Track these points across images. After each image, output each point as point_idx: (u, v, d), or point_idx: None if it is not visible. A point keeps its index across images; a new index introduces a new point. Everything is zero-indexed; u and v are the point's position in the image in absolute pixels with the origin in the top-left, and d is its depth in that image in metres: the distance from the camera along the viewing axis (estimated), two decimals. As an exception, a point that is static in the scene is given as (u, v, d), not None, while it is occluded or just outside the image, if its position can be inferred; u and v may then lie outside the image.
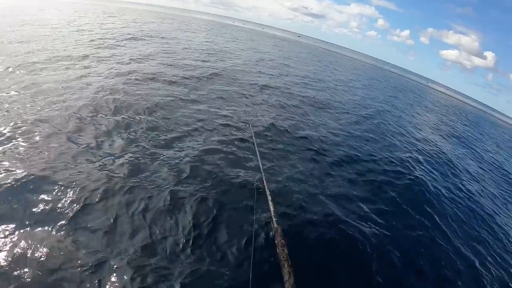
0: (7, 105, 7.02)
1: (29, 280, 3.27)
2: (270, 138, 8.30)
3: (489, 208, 8.80)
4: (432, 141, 14.44)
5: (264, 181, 1.92)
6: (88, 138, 6.20)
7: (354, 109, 15.53)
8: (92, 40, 18.02)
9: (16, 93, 7.90)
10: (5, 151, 5.24)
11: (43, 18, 26.24)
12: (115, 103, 8.26)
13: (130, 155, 5.88)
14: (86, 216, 4.19)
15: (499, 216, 8.65)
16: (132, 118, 7.57)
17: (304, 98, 14.55)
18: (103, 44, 17.49)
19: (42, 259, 3.49)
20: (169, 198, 4.88)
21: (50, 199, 4.36)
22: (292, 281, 1.24)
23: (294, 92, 15.16)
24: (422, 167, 9.81)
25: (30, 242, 3.63)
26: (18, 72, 9.69)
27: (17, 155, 5.18)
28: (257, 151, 2.72)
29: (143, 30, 28.77)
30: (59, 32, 19.44)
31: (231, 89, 12.69)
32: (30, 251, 3.54)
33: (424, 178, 8.78)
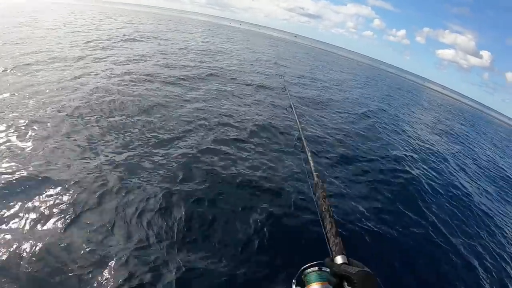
0: (2, 107, 7.00)
1: (29, 279, 3.26)
2: (265, 138, 8.33)
3: (485, 206, 8.85)
4: (428, 140, 14.53)
5: (303, 139, 2.00)
6: (84, 138, 6.18)
7: (351, 108, 15.57)
8: (88, 42, 17.95)
9: (11, 94, 7.86)
10: (1, 152, 5.22)
11: (39, 19, 26.11)
12: (111, 104, 8.25)
13: (127, 155, 5.88)
14: (83, 216, 4.18)
15: (493, 211, 8.71)
16: (128, 118, 7.56)
17: (301, 98, 14.60)
18: (99, 45, 17.43)
19: (40, 258, 3.48)
20: (165, 198, 4.89)
21: (46, 199, 4.34)
22: (334, 230, 1.24)
23: (291, 91, 15.14)
24: (418, 166, 9.86)
25: (27, 242, 3.62)
26: (13, 73, 9.65)
27: (12, 156, 5.15)
28: (296, 117, 2.76)
29: (139, 31, 28.72)
30: (55, 33, 19.35)
31: (227, 89, 12.70)
32: (28, 250, 3.53)
33: (419, 177, 8.85)
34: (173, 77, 12.63)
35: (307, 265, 1.08)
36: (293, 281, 1.11)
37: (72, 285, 3.31)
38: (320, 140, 9.42)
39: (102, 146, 6.08)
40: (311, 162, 1.87)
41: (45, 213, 4.10)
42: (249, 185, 5.89)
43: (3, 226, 3.79)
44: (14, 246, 3.55)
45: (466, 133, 22.85)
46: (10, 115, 6.60)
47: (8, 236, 3.66)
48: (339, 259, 1.16)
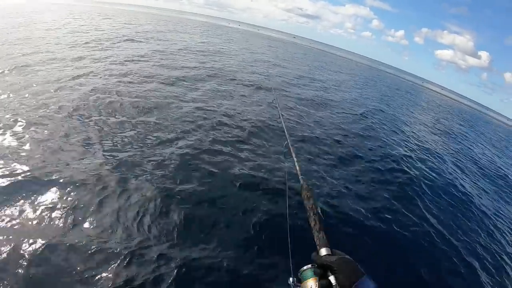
0: (1, 107, 7.00)
1: (30, 280, 3.26)
2: (265, 139, 8.36)
3: (483, 205, 8.87)
4: (427, 140, 14.57)
5: (290, 145, 2.09)
6: (83, 139, 6.18)
7: (350, 109, 15.61)
8: (87, 42, 17.93)
9: (10, 94, 7.84)
10: (1, 152, 5.23)
11: (39, 20, 26.08)
12: (110, 104, 8.27)
13: (126, 155, 5.88)
14: (83, 217, 4.18)
15: (490, 210, 8.73)
16: (127, 119, 7.57)
17: (300, 98, 14.62)
18: (98, 46, 17.42)
19: (41, 258, 3.48)
20: (165, 198, 4.91)
21: (46, 199, 4.35)
22: (318, 226, 1.36)
23: (290, 92, 15.24)
24: (417, 165, 9.89)
25: (28, 242, 3.63)
26: (12, 73, 9.64)
27: (11, 156, 5.15)
28: (283, 125, 2.83)
29: (138, 32, 28.72)
30: (54, 33, 19.33)
31: (226, 89, 12.72)
32: (29, 250, 3.53)
33: (418, 176, 8.89)
34: (173, 77, 12.64)
35: (304, 267, 1.16)
36: (290, 278, 1.21)
37: (74, 285, 3.32)
38: (319, 140, 9.42)
39: (102, 146, 6.08)
40: (297, 167, 2.04)
41: (45, 213, 4.09)
42: (248, 185, 5.93)
43: (3, 226, 3.80)
44: (15, 246, 3.55)
45: (464, 133, 22.89)
46: (9, 115, 6.60)
47: (8, 236, 3.67)
48: (323, 251, 1.25)
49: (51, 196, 4.44)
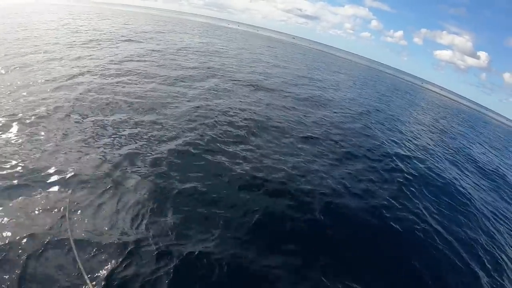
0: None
1: (31, 275, 3.28)
2: (266, 136, 8.36)
3: (481, 203, 8.88)
4: (426, 140, 14.59)
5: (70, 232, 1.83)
6: (80, 137, 6.19)
7: (349, 109, 15.61)
8: (86, 42, 17.92)
9: (8, 94, 7.83)
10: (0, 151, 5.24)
11: (38, 20, 26.06)
12: (108, 103, 8.28)
13: (125, 153, 5.89)
14: (80, 213, 4.18)
15: (487, 208, 8.73)
16: (126, 117, 7.57)
17: (299, 98, 14.64)
18: (96, 45, 17.40)
19: (42, 253, 3.49)
20: (163, 195, 4.94)
21: (42, 195, 4.36)
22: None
23: (290, 92, 15.23)
24: (415, 165, 9.90)
25: (25, 238, 3.62)
26: (10, 73, 9.62)
27: (8, 155, 5.15)
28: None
29: (137, 32, 28.67)
30: (53, 33, 19.31)
31: (225, 89, 12.72)
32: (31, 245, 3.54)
33: (415, 175, 8.93)
34: (172, 77, 12.65)
35: None
36: None
37: (74, 281, 3.30)
38: (319, 140, 9.45)
39: (100, 145, 6.09)
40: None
41: (44, 211, 4.10)
42: (248, 183, 5.96)
43: (4, 223, 3.80)
44: (13, 245, 3.55)
45: (464, 133, 22.89)
46: (6, 114, 6.59)
47: (7, 234, 3.67)
48: None
49: (49, 194, 4.44)
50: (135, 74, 11.94)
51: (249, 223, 4.86)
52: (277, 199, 5.71)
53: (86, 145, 5.94)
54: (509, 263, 6.37)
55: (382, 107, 20.16)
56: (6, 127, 6.03)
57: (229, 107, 10.13)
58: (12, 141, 5.58)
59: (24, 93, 7.99)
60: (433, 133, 17.56)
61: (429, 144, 13.82)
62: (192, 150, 6.61)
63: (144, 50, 18.29)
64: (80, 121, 6.95)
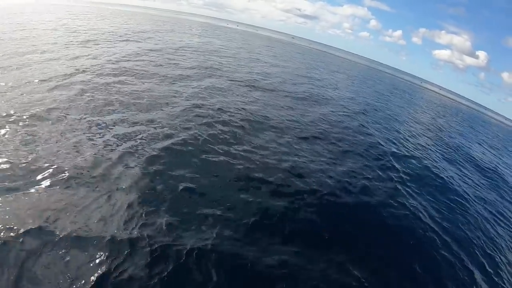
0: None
1: (25, 274, 3.27)
2: (263, 135, 8.35)
3: (479, 204, 8.90)
4: (426, 139, 14.60)
5: None
6: (75, 136, 6.18)
7: (348, 107, 15.62)
8: (83, 42, 17.87)
9: (5, 94, 7.82)
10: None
11: (37, 20, 25.97)
12: (104, 102, 8.28)
13: (124, 150, 5.89)
14: (73, 213, 4.17)
15: (484, 206, 8.76)
16: (121, 116, 7.57)
17: (299, 97, 14.66)
18: (94, 45, 17.36)
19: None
20: (159, 192, 4.95)
21: (35, 194, 4.35)
22: None
23: (289, 91, 15.23)
24: (413, 164, 9.93)
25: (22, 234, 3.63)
26: (7, 73, 9.58)
27: (4, 153, 5.15)
28: None
29: (136, 32, 28.59)
30: (51, 33, 19.24)
31: (224, 87, 12.71)
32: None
33: (411, 173, 8.93)
34: (170, 76, 12.67)
35: None
36: None
37: (73, 275, 3.31)
38: (317, 138, 9.53)
39: (97, 143, 6.08)
40: None
41: (38, 208, 4.09)
42: (245, 182, 6.01)
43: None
44: (11, 241, 3.57)
45: (463, 132, 22.92)
46: (2, 115, 6.58)
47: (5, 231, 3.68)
48: None
49: (42, 192, 4.42)
50: (133, 74, 11.91)
51: (247, 222, 4.86)
52: (275, 198, 5.73)
53: (82, 145, 5.92)
54: (504, 260, 6.39)
55: (381, 106, 20.19)
56: (2, 126, 6.02)
57: (227, 106, 10.12)
58: (6, 141, 5.56)
59: (20, 93, 7.96)
60: (431, 132, 17.57)
61: (427, 143, 13.85)
62: (189, 149, 6.61)
63: (142, 50, 18.25)
64: (76, 120, 6.93)
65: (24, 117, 6.53)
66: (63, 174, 4.89)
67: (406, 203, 7.05)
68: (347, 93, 21.24)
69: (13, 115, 6.50)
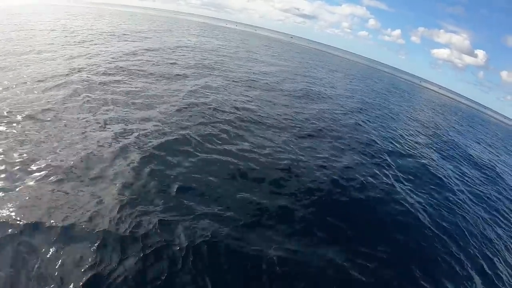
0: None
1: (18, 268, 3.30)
2: (260, 133, 8.35)
3: (476, 202, 8.90)
4: (426, 139, 14.59)
5: None
6: (70, 134, 6.17)
7: (347, 106, 15.61)
8: (80, 42, 17.86)
9: (4, 91, 7.84)
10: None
11: (36, 20, 25.97)
12: (100, 101, 8.29)
13: (113, 150, 5.87)
14: (66, 208, 4.15)
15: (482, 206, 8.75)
16: (118, 114, 7.56)
17: (297, 96, 14.66)
18: (91, 45, 17.36)
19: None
20: (155, 190, 4.93)
21: (33, 189, 4.34)
22: None
23: (287, 90, 15.22)
24: (411, 162, 9.91)
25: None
26: (3, 73, 9.56)
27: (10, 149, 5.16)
28: None
29: (134, 32, 28.57)
30: (49, 33, 19.23)
31: (221, 86, 12.70)
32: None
33: (411, 173, 8.92)
34: (167, 75, 12.69)
35: None
36: None
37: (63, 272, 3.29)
38: (317, 134, 9.66)
39: (92, 141, 6.06)
40: None
41: (31, 204, 4.08)
42: (243, 179, 6.04)
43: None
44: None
45: (463, 132, 22.93)
46: (4, 112, 6.61)
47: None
48: None
49: (39, 188, 4.43)
50: (129, 73, 11.90)
51: (244, 220, 4.86)
52: (272, 196, 5.74)
53: (77, 143, 5.91)
54: (501, 258, 6.38)
55: (380, 105, 20.19)
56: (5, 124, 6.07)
57: (224, 105, 10.12)
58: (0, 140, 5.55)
59: (16, 93, 7.94)
60: (430, 131, 17.55)
61: (425, 142, 13.84)
62: (185, 148, 6.61)
63: (139, 49, 18.22)
64: (72, 119, 6.91)
65: (19, 116, 6.51)
66: (58, 173, 4.88)
67: (402, 201, 7.04)
68: (345, 92, 21.25)
69: (8, 115, 6.49)
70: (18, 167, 4.82)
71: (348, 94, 20.50)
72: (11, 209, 3.97)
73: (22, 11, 34.06)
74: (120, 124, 7.06)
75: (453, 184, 9.39)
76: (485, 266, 5.87)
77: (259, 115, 9.89)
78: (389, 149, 10.54)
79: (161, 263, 3.71)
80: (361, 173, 7.75)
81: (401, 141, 12.33)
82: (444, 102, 58.55)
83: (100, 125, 6.84)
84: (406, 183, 8.11)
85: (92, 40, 19.01)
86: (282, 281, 3.98)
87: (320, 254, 4.61)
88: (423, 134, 15.59)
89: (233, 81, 14.44)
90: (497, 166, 14.73)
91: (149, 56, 16.64)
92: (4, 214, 3.88)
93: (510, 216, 8.84)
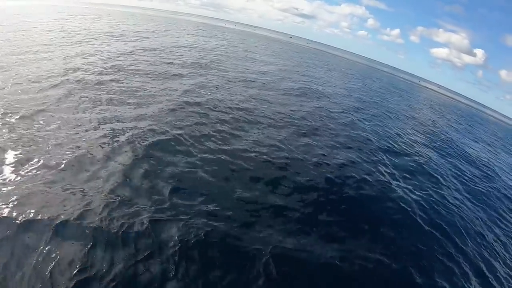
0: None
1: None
2: (258, 131, 8.32)
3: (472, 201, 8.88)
4: (425, 138, 14.57)
5: None
6: (65, 132, 6.16)
7: (347, 105, 15.57)
8: (77, 42, 17.83)
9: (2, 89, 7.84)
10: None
11: (34, 21, 25.99)
12: (96, 100, 8.30)
13: (109, 148, 5.85)
14: (60, 205, 4.12)
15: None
16: (114, 113, 7.55)
17: (296, 95, 14.65)
18: (89, 44, 17.34)
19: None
20: (150, 189, 4.91)
21: (26, 187, 4.29)
22: None
23: (285, 89, 15.19)
24: (409, 161, 9.88)
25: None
26: (4, 71, 9.57)
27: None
28: None
29: (132, 32, 28.54)
30: (47, 34, 19.22)
31: (219, 85, 12.68)
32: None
33: (409, 171, 8.92)
34: (164, 74, 12.70)
35: None
36: None
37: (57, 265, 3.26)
38: (314, 132, 9.69)
39: (89, 140, 6.06)
40: None
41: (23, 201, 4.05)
42: (238, 174, 6.06)
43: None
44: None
45: (461, 131, 22.91)
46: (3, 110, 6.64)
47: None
48: None
49: (33, 186, 4.38)
50: (126, 72, 11.90)
51: (241, 217, 4.88)
52: (269, 194, 5.74)
53: (72, 142, 5.90)
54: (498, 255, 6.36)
55: (378, 104, 20.17)
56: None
57: (221, 104, 10.12)
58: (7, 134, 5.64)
59: (11, 92, 7.94)
60: (428, 130, 17.53)
61: (424, 140, 13.81)
62: (180, 146, 6.60)
63: (136, 49, 18.19)
64: (67, 118, 6.91)
65: (14, 116, 6.51)
66: (51, 173, 4.87)
67: (399, 199, 7.04)
68: (343, 91, 21.23)
69: (2, 117, 6.47)
70: (11, 166, 4.81)
71: (346, 93, 20.49)
72: (3, 208, 3.95)
73: (22, 12, 34.04)
74: (114, 124, 7.04)
75: (450, 183, 9.37)
76: (482, 265, 5.86)
77: (255, 114, 9.86)
78: (386, 147, 10.52)
79: (154, 262, 3.69)
80: (358, 171, 7.74)
81: (398, 139, 12.31)
82: (443, 101, 58.52)
83: (94, 125, 6.81)
84: (402, 181, 8.10)
85: (89, 41, 18.97)
86: (279, 280, 3.96)
87: (317, 252, 4.59)
88: (421, 133, 15.57)
89: (229, 80, 14.39)
90: (495, 165, 14.70)
91: (146, 56, 16.60)
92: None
93: (506, 214, 8.81)
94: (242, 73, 17.16)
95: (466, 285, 5.12)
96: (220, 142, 7.22)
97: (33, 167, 4.88)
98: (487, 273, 5.68)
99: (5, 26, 20.52)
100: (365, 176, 7.59)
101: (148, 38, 25.64)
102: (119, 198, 4.56)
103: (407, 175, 8.65)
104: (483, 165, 13.76)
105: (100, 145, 5.96)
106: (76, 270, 3.36)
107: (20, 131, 5.94)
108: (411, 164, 9.72)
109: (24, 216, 3.89)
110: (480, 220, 7.72)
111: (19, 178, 4.58)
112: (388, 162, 9.10)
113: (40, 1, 68.51)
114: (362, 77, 42.40)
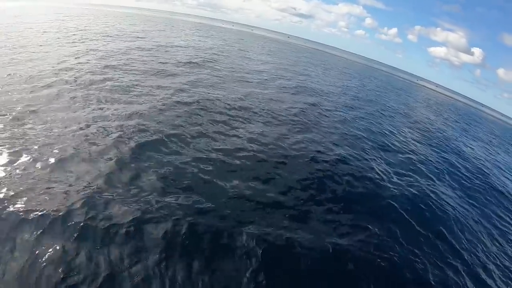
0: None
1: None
2: (255, 129, 8.29)
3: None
4: (424, 137, 14.57)
5: None
6: (60, 130, 6.16)
7: (346, 104, 15.56)
8: (72, 42, 17.77)
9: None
10: None
11: (33, 21, 25.93)
12: (93, 98, 8.32)
13: (104, 146, 5.82)
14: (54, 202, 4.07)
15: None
16: (110, 111, 7.53)
17: (295, 94, 14.63)
18: (87, 44, 17.33)
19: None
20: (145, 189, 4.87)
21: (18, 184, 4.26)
22: None
23: (283, 88, 15.18)
24: (408, 160, 9.86)
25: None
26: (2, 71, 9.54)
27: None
28: None
29: (131, 31, 28.51)
30: (42, 34, 19.13)
31: (216, 84, 12.63)
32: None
33: (409, 170, 8.86)
34: (161, 73, 12.74)
35: None
36: None
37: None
38: (310, 129, 9.76)
39: (82, 136, 6.03)
40: None
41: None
42: (235, 172, 6.05)
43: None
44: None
45: (460, 130, 22.95)
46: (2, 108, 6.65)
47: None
48: None
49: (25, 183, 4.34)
50: (120, 72, 11.89)
51: (238, 214, 4.87)
52: (264, 190, 5.74)
53: (62, 142, 5.87)
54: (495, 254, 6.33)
55: (375, 102, 20.17)
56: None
57: (215, 102, 10.10)
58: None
59: (4, 91, 7.87)
60: (427, 129, 17.54)
61: (421, 139, 13.81)
62: (172, 146, 6.56)
63: (131, 49, 18.16)
64: (61, 118, 6.89)
65: (6, 116, 6.47)
66: (42, 170, 4.86)
67: (393, 195, 7.06)
68: (340, 90, 21.25)
69: (12, 110, 6.61)
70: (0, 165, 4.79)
71: (343, 92, 20.49)
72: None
73: (21, 12, 34.00)
74: (105, 123, 7.00)
75: (445, 181, 9.34)
76: (476, 262, 5.84)
77: (250, 112, 9.85)
78: (381, 144, 10.51)
79: (142, 260, 3.67)
80: (352, 168, 7.74)
81: (393, 137, 12.30)
82: (441, 100, 58.62)
83: (85, 124, 6.79)
84: (396, 178, 8.07)
85: (85, 41, 18.90)
86: (271, 275, 3.95)
87: (310, 247, 4.58)
88: (418, 131, 15.57)
89: (225, 79, 14.36)
90: (491, 163, 14.72)
91: (141, 55, 16.57)
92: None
93: (500, 211, 8.80)
94: (238, 72, 17.13)
95: (459, 281, 5.10)
96: (212, 140, 7.20)
97: (22, 166, 4.85)
98: (482, 272, 5.66)
99: (6, 27, 20.44)
100: (360, 173, 7.59)
101: (144, 38, 25.59)
102: (108, 197, 4.52)
103: (403, 172, 8.62)
104: (480, 163, 13.74)
105: (90, 144, 5.93)
106: (62, 268, 3.34)
107: (12, 130, 5.92)
108: (406, 161, 9.71)
109: (12, 213, 3.89)
110: (474, 215, 7.73)
111: (8, 176, 4.55)
112: (382, 159, 9.09)
113: (40, 2, 68.33)
114: (361, 77, 42.47)
